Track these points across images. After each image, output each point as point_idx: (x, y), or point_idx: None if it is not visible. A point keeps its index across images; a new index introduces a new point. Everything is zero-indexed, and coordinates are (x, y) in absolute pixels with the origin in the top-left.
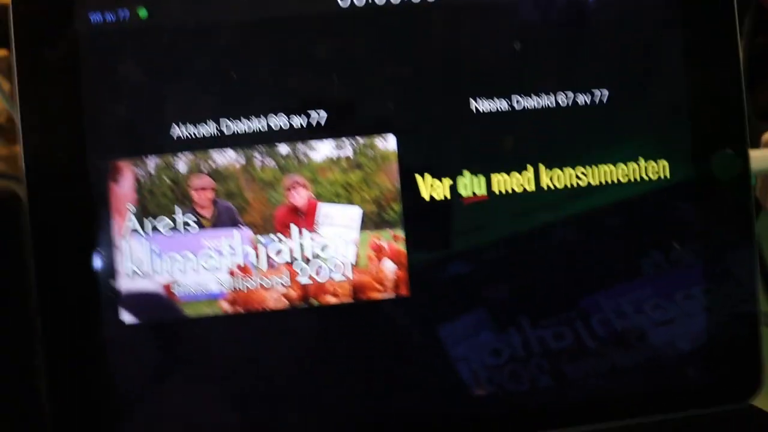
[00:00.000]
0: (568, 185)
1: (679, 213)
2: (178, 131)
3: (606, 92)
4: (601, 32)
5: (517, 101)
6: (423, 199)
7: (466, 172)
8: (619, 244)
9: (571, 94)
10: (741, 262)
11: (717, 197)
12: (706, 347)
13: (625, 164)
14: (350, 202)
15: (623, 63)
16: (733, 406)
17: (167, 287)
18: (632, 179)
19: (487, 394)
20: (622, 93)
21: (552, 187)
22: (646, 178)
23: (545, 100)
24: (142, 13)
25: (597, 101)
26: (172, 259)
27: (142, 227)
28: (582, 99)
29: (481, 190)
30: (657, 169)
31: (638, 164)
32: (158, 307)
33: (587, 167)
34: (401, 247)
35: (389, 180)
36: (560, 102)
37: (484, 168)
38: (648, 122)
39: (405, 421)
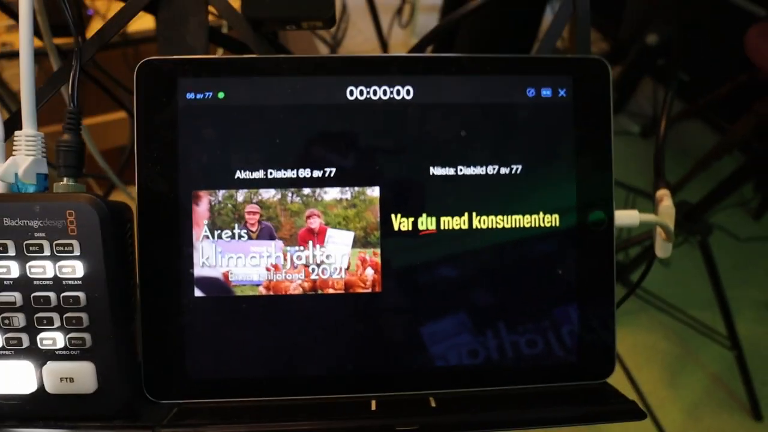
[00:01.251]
0: (491, 226)
1: (563, 249)
2: (239, 174)
3: (520, 166)
4: (519, 126)
5: (461, 169)
6: (394, 230)
7: (424, 214)
8: (521, 264)
9: (496, 167)
10: (603, 282)
11: (590, 241)
12: (574, 336)
13: (530, 215)
14: (347, 228)
15: (533, 147)
16: (593, 382)
17: (225, 275)
18: (533, 225)
19: (409, 355)
20: (531, 167)
21: (480, 227)
22: (542, 225)
23: (479, 170)
24: (221, 95)
25: (514, 172)
26: (229, 257)
27: (212, 235)
28: (503, 170)
29: (432, 226)
30: (551, 220)
31: (538, 216)
32: (218, 288)
33: (504, 216)
34: (378, 260)
35: (373, 216)
36: (489, 171)
37: (436, 212)
38: (547, 188)
39: (374, 369)
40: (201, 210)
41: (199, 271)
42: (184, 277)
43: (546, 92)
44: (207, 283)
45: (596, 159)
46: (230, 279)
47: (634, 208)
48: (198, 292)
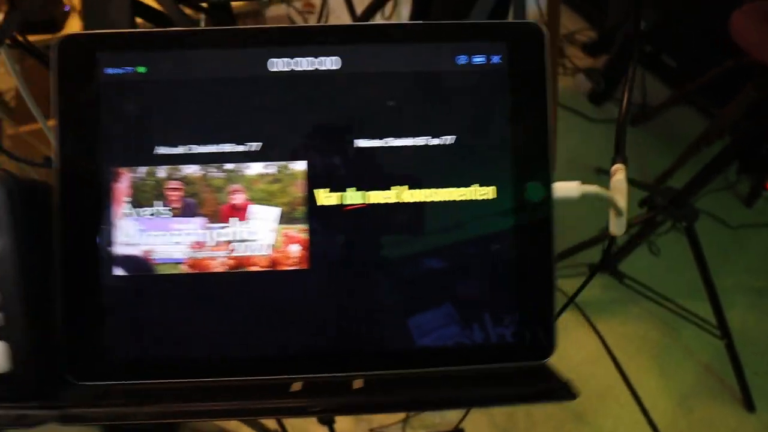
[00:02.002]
0: (422, 200)
1: (499, 223)
2: (160, 150)
3: (453, 137)
4: (451, 95)
5: (389, 141)
6: (320, 205)
7: (350, 189)
8: (454, 239)
9: (427, 138)
10: (542, 257)
11: (528, 214)
12: (511, 315)
13: (463, 188)
14: (272, 204)
15: (466, 117)
16: (533, 363)
17: (147, 253)
18: (467, 198)
19: (337, 335)
20: (464, 138)
21: (410, 200)
22: (476, 198)
23: (409, 141)
24: (141, 69)
25: (446, 143)
26: (151, 235)
27: (133, 213)
28: (435, 141)
29: (359, 201)
30: (485, 193)
31: (471, 188)
32: (140, 266)
33: (436, 189)
34: (304, 236)
35: (299, 191)
36: (419, 143)
37: (363, 186)
38: (482, 159)
39: (301, 350)
40: (122, 187)
41: (120, 250)
42: (105, 256)
43: (478, 59)
44: (128, 261)
45: (533, 128)
46: (152, 257)
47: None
48: (119, 271)
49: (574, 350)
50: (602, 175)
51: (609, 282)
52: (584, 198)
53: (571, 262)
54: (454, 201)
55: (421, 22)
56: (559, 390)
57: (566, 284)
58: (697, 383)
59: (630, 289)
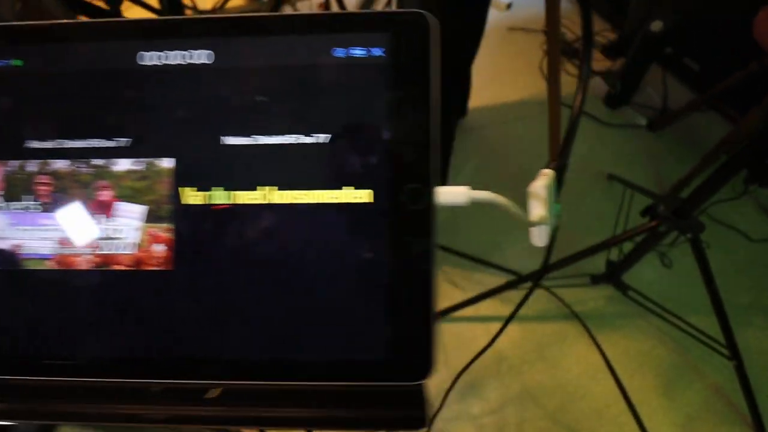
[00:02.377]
0: (291, 202)
1: (374, 229)
2: (31, 144)
3: (327, 135)
4: (327, 91)
5: (258, 139)
6: (187, 204)
7: (217, 188)
8: (326, 245)
9: (299, 136)
10: (420, 269)
11: (406, 221)
12: (388, 333)
13: (336, 190)
14: (138, 201)
15: (342, 114)
16: (409, 384)
17: (15, 247)
18: (339, 201)
19: (199, 341)
20: (340, 136)
21: (279, 202)
22: (350, 201)
23: (279, 139)
24: (17, 62)
25: (319, 141)
26: (20, 229)
27: (3, 206)
28: (307, 140)
29: (226, 201)
30: (360, 196)
31: (345, 191)
32: (8, 261)
33: (307, 190)
34: (170, 235)
35: (165, 189)
36: (290, 141)
37: (230, 185)
38: (358, 160)
39: (160, 353)
40: None
41: None
42: None
43: (358, 52)
44: None
45: (415, 127)
46: (20, 252)
47: (630, 206)
48: None
49: (571, 363)
50: (615, 183)
51: (614, 293)
52: (489, 204)
53: (574, 271)
54: (326, 204)
55: (297, 12)
56: (408, 418)
57: (567, 294)
58: (704, 405)
59: (635, 303)
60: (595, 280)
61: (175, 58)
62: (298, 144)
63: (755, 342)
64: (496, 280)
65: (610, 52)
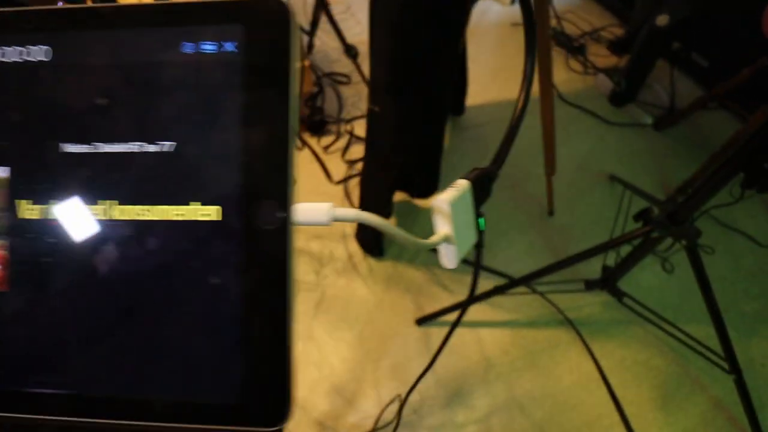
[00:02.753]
0: (134, 218)
1: (225, 251)
2: None
3: (173, 143)
4: (174, 92)
5: (98, 146)
6: (23, 218)
7: (54, 200)
8: (170, 268)
9: (142, 143)
10: (274, 297)
11: (260, 242)
12: (239, 371)
13: (182, 206)
14: None
15: (190, 119)
16: (264, 429)
17: None
18: (186, 219)
19: (31, 372)
20: (187, 145)
21: (121, 218)
22: (198, 219)
23: (120, 147)
24: None
25: (164, 150)
26: None
27: None
28: (151, 148)
29: (64, 216)
30: (208, 213)
31: (192, 207)
32: None
33: (150, 205)
34: (4, 253)
35: (0, 201)
36: (133, 149)
37: (68, 198)
38: (207, 172)
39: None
40: None
41: None
42: None
43: (209, 47)
44: None
45: (271, 135)
46: None
47: (630, 208)
48: None
49: (563, 371)
50: (615, 184)
51: (610, 300)
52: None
53: (570, 275)
54: (171, 222)
55: (142, 2)
56: None
57: (560, 299)
58: (703, 420)
59: (631, 311)
60: (590, 285)
61: (10, 54)
62: (142, 153)
63: (759, 353)
64: (488, 283)
65: (617, 48)
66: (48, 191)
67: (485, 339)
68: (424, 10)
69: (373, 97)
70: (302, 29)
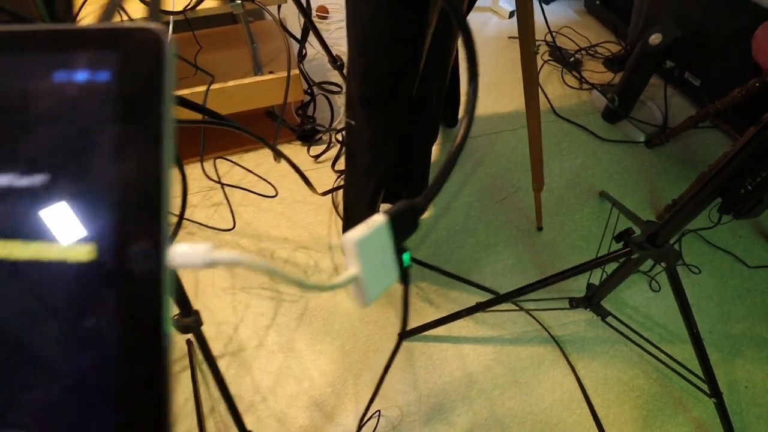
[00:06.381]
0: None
1: (96, 294)
2: None
3: (41, 177)
4: (44, 123)
5: None
6: None
7: None
8: (36, 313)
9: (10, 177)
10: (153, 353)
11: (136, 285)
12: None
13: (49, 244)
14: None
15: (59, 152)
16: None
17: None
18: (53, 259)
19: None
20: (55, 179)
21: None
22: (67, 259)
23: None
24: None
25: (33, 185)
26: None
27: None
28: (19, 182)
29: None
30: (77, 253)
31: (59, 246)
32: None
33: (15, 242)
34: None
35: None
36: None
37: None
38: (76, 209)
39: None
40: None
41: None
42: None
43: (82, 76)
44: None
45: (144, 171)
46: None
47: (617, 226)
48: None
49: (545, 390)
50: (604, 201)
51: (595, 318)
52: (211, 267)
53: (555, 291)
54: (37, 261)
55: (13, 27)
56: None
57: (545, 317)
58: None
59: (613, 330)
60: (574, 303)
61: None
62: (10, 186)
63: (743, 374)
64: (474, 298)
65: (613, 65)
66: None
67: (468, 355)
68: (383, 27)
69: (348, 110)
70: (293, 37)
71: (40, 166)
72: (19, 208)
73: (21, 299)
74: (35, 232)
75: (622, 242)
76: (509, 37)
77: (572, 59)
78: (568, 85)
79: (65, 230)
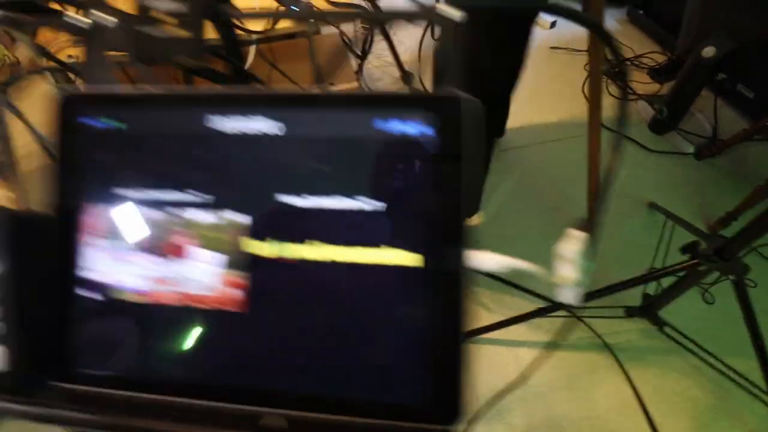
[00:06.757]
0: (348, 260)
1: (413, 287)
2: (125, 193)
3: (381, 204)
4: (374, 161)
5: (322, 202)
6: (259, 255)
7: (285, 242)
8: (372, 299)
9: (358, 202)
10: (452, 325)
11: (440, 282)
12: (423, 381)
13: (385, 250)
14: (218, 250)
15: (393, 185)
16: (438, 428)
17: (111, 280)
18: (386, 262)
19: (265, 374)
20: (391, 205)
21: (336, 260)
22: (394, 263)
23: (342, 203)
24: (115, 123)
25: (374, 209)
26: (115, 265)
27: (102, 244)
28: (364, 206)
29: (295, 255)
30: (401, 258)
31: (392, 252)
32: (103, 290)
33: (362, 249)
34: (242, 281)
35: (240, 240)
36: (351, 206)
37: (295, 240)
38: (404, 226)
39: (233, 382)
40: (90, 220)
41: (90, 275)
42: (78, 279)
43: (403, 128)
44: (94, 285)
45: (450, 198)
46: (114, 284)
47: (672, 237)
48: (87, 293)
49: (601, 396)
50: (654, 212)
51: (649, 327)
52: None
53: (610, 300)
54: (375, 263)
55: (347, 91)
56: None
57: (599, 325)
58: None
59: (672, 340)
60: (630, 312)
61: (246, 125)
62: (357, 210)
63: None
64: (527, 304)
65: (659, 75)
66: (280, 234)
67: (524, 358)
68: (489, 56)
69: None
70: (356, 54)
71: (380, 194)
72: (363, 224)
73: (365, 290)
74: (372, 242)
75: (689, 254)
76: (550, 48)
77: (617, 69)
78: (613, 96)
79: (389, 241)
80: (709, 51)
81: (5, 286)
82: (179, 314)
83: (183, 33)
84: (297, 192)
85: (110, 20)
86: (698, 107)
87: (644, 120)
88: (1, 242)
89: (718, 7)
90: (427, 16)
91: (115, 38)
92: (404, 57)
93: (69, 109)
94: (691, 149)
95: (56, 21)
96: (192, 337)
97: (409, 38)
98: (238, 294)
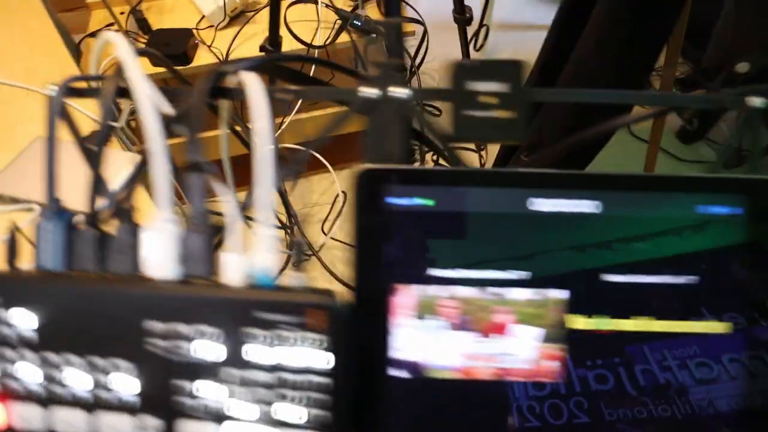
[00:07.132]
0: (664, 330)
1: (733, 355)
2: (437, 272)
3: (696, 277)
4: (696, 240)
5: (636, 278)
6: (577, 328)
7: (601, 316)
8: (688, 367)
9: (672, 277)
10: None
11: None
12: (744, 413)
13: (701, 322)
14: (537, 325)
15: (707, 260)
16: None
17: (421, 359)
18: (705, 332)
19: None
20: (706, 279)
21: (655, 330)
22: (709, 331)
23: (656, 279)
24: (422, 201)
25: (688, 282)
26: (425, 344)
27: (410, 324)
28: (679, 280)
29: (610, 327)
30: (721, 327)
31: (708, 323)
32: (417, 370)
33: (676, 321)
34: (564, 354)
35: (558, 315)
36: (666, 281)
37: (613, 315)
38: (717, 297)
39: None
40: (401, 301)
41: (401, 355)
42: (389, 360)
43: (718, 210)
44: (407, 365)
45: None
46: (425, 363)
47: None
48: (399, 373)
49: None
50: None
51: None
52: None
53: None
54: (692, 333)
55: (665, 174)
56: None
57: None
58: None
59: None
60: None
61: (562, 205)
62: (671, 284)
63: None
64: None
65: (686, 86)
66: (596, 308)
67: None
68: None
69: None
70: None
71: (691, 269)
72: (676, 298)
73: (681, 358)
74: (685, 315)
75: None
76: None
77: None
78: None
79: (707, 310)
80: (743, 67)
81: (335, 378)
82: (494, 388)
83: (505, 114)
84: (616, 269)
85: (404, 92)
86: (724, 117)
87: (671, 129)
88: (332, 336)
89: (750, 26)
90: None
91: (405, 110)
92: None
93: (371, 186)
94: (720, 159)
95: (346, 93)
96: (509, 411)
97: None
98: (555, 366)
